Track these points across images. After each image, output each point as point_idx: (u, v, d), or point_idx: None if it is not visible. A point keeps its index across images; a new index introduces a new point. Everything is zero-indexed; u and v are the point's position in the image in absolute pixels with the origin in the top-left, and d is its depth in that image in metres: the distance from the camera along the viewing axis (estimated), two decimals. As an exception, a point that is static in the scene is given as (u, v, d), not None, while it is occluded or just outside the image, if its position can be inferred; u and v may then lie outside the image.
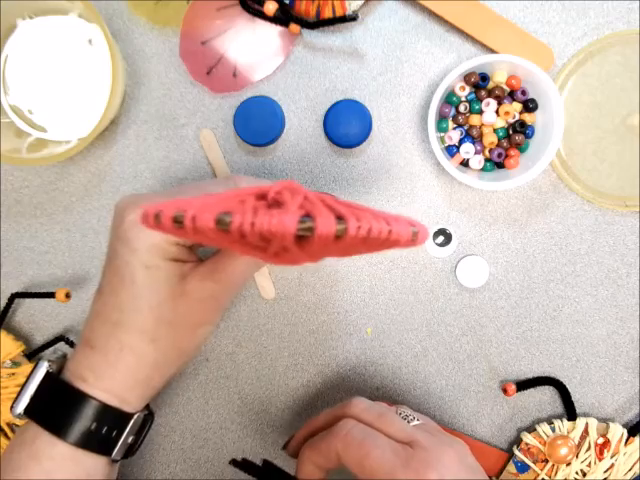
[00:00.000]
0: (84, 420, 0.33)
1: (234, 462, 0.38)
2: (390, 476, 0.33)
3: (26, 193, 0.47)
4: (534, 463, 0.46)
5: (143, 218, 0.24)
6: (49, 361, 0.36)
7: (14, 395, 0.45)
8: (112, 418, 0.34)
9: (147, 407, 0.38)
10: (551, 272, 0.47)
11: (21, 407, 0.35)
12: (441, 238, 0.46)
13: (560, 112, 0.42)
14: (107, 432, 0.34)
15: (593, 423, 0.45)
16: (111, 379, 0.34)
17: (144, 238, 0.33)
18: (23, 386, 0.35)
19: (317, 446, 0.36)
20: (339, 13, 0.43)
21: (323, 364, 0.47)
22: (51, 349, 0.46)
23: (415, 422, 0.38)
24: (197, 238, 0.24)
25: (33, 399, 0.35)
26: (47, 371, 0.35)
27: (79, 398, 0.34)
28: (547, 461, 0.45)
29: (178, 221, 0.23)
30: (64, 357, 0.37)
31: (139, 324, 0.33)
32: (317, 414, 0.40)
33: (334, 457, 0.35)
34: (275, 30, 0.45)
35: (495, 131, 0.44)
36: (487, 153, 0.44)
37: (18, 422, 0.45)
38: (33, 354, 0.45)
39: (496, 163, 0.44)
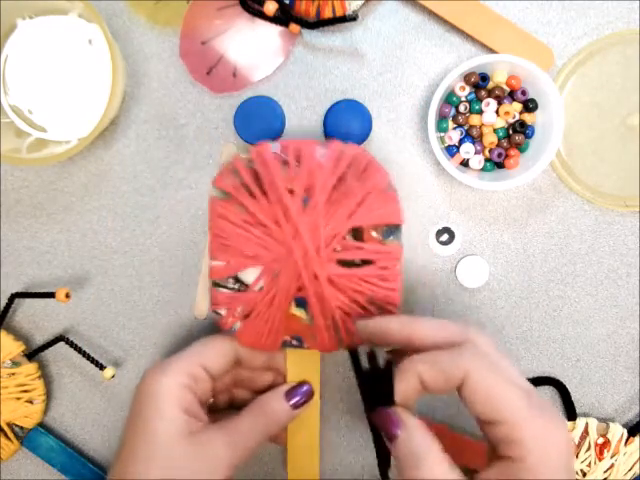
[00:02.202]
0: None
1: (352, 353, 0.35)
2: (517, 414, 0.29)
3: (26, 193, 0.47)
4: (534, 463, 0.46)
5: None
6: None
7: (14, 395, 0.45)
8: None
9: None
10: (551, 272, 0.47)
11: None
12: (445, 236, 0.46)
13: (560, 112, 0.42)
14: None
15: (593, 423, 0.45)
16: None
17: (162, 390, 0.35)
18: None
19: (437, 360, 0.30)
20: (339, 13, 0.43)
21: (323, 363, 0.47)
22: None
23: None
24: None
25: None
26: None
27: None
28: (547, 461, 0.45)
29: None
30: None
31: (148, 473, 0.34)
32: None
33: (457, 377, 0.30)
34: (275, 30, 0.45)
35: (495, 131, 0.44)
36: (487, 153, 0.44)
37: (18, 422, 0.45)
38: (33, 354, 0.45)
39: (496, 163, 0.44)
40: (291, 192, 0.36)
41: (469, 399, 0.30)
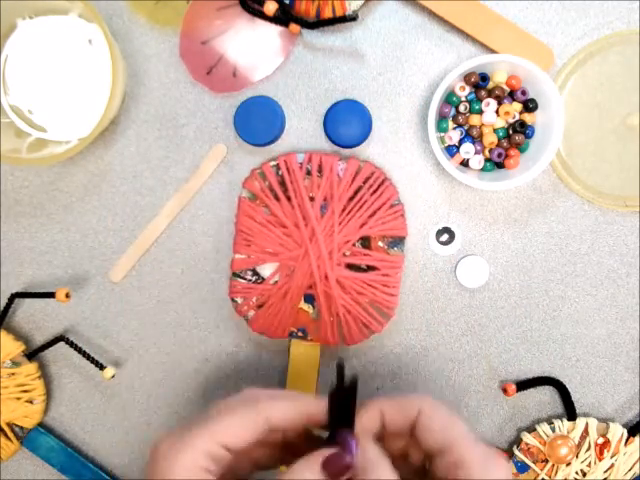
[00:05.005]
0: None
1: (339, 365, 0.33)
2: (466, 437, 0.32)
3: (26, 193, 0.47)
4: (534, 463, 0.46)
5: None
6: None
7: (14, 395, 0.45)
8: None
9: None
10: (551, 272, 0.47)
11: None
12: (445, 236, 0.46)
13: (560, 112, 0.42)
14: None
15: (593, 423, 0.45)
16: None
17: (179, 460, 0.31)
18: None
19: (396, 400, 0.33)
20: (339, 13, 0.43)
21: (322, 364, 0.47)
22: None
23: None
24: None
25: None
26: None
27: None
28: (547, 461, 0.45)
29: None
30: None
31: None
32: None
33: (411, 414, 0.33)
34: (275, 30, 0.45)
35: (495, 131, 0.44)
36: (487, 153, 0.44)
37: (18, 422, 0.45)
38: (33, 354, 0.45)
39: (496, 163, 0.44)
40: (311, 199, 0.42)
41: (423, 430, 0.33)
